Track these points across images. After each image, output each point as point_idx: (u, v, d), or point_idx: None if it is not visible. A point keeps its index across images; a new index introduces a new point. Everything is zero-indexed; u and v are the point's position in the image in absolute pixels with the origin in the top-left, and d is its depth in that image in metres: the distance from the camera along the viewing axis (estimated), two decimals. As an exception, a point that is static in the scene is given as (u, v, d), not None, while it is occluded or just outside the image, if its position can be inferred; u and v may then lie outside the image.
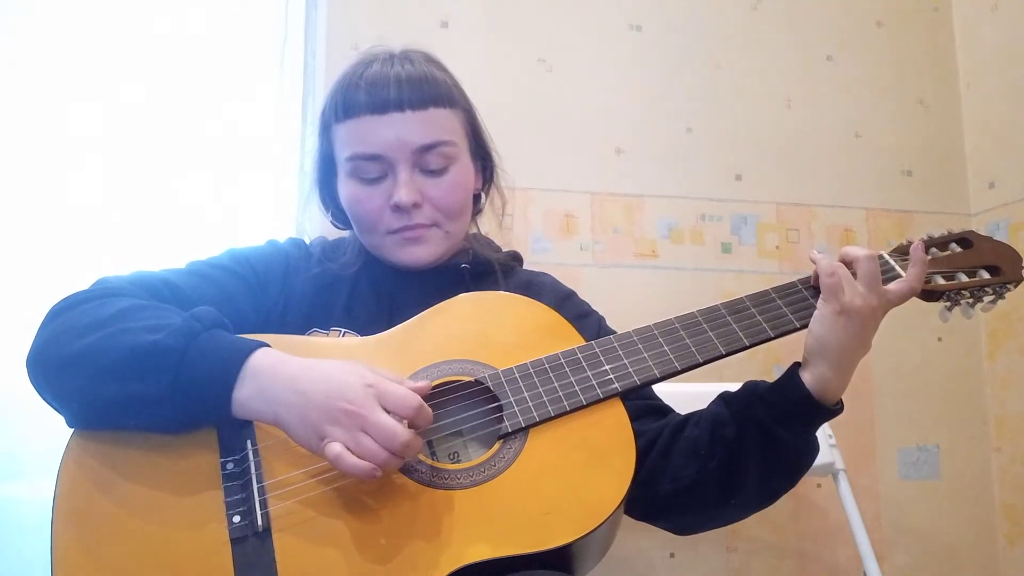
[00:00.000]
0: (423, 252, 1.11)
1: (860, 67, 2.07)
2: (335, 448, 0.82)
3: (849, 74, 2.06)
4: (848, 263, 1.00)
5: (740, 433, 0.99)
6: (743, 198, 1.95)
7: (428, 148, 1.07)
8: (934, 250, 1.08)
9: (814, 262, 1.01)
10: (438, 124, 1.08)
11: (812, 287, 1.03)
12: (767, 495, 1.04)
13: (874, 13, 2.10)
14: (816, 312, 0.99)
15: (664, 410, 1.12)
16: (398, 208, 1.07)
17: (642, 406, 1.08)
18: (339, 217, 1.19)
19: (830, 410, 0.99)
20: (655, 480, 1.03)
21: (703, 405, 1.07)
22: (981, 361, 2.01)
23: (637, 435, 0.95)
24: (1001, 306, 1.09)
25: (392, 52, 1.12)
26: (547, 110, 1.88)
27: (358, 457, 0.81)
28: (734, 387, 1.04)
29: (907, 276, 1.01)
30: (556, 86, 1.89)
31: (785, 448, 0.99)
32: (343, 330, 1.06)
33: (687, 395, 1.15)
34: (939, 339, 1.99)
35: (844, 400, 1.01)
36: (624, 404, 0.97)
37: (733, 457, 0.99)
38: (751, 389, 1.02)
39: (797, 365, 1.00)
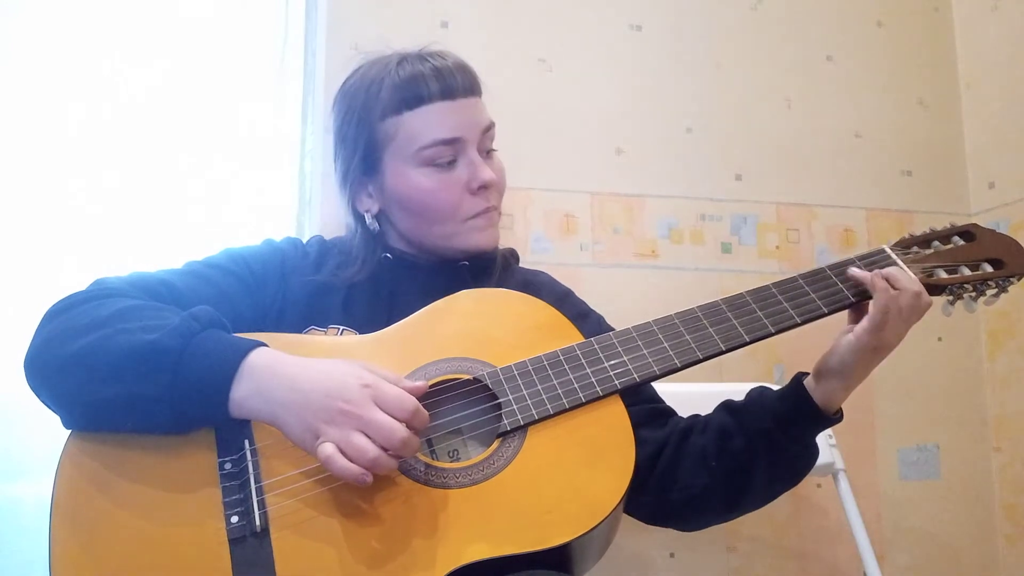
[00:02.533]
0: (496, 234, 1.14)
1: (860, 67, 2.06)
2: (327, 449, 0.82)
3: (849, 74, 2.05)
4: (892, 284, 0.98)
5: (748, 445, 1.01)
6: (743, 198, 1.95)
7: (488, 129, 1.12)
8: (937, 244, 1.08)
9: (868, 284, 0.98)
10: (486, 108, 1.14)
11: (813, 282, 1.02)
12: (770, 497, 1.07)
13: (874, 13, 2.09)
14: (851, 338, 0.98)
15: (667, 412, 1.12)
16: (483, 188, 1.10)
17: (645, 411, 1.09)
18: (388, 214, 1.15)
19: (832, 419, 1.01)
20: (665, 489, 1.05)
21: (703, 405, 1.07)
22: (981, 361, 2.01)
23: (643, 443, 0.96)
24: (1001, 306, 1.09)
25: (421, 50, 1.13)
26: (547, 110, 1.87)
27: (349, 459, 0.81)
28: (734, 387, 1.05)
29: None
30: (556, 86, 1.89)
31: (791, 457, 1.02)
32: (341, 328, 1.06)
33: (687, 395, 1.15)
34: (939, 339, 1.98)
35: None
36: (628, 409, 0.97)
37: (742, 467, 1.01)
38: (757, 401, 1.03)
39: (801, 375, 1.01)
